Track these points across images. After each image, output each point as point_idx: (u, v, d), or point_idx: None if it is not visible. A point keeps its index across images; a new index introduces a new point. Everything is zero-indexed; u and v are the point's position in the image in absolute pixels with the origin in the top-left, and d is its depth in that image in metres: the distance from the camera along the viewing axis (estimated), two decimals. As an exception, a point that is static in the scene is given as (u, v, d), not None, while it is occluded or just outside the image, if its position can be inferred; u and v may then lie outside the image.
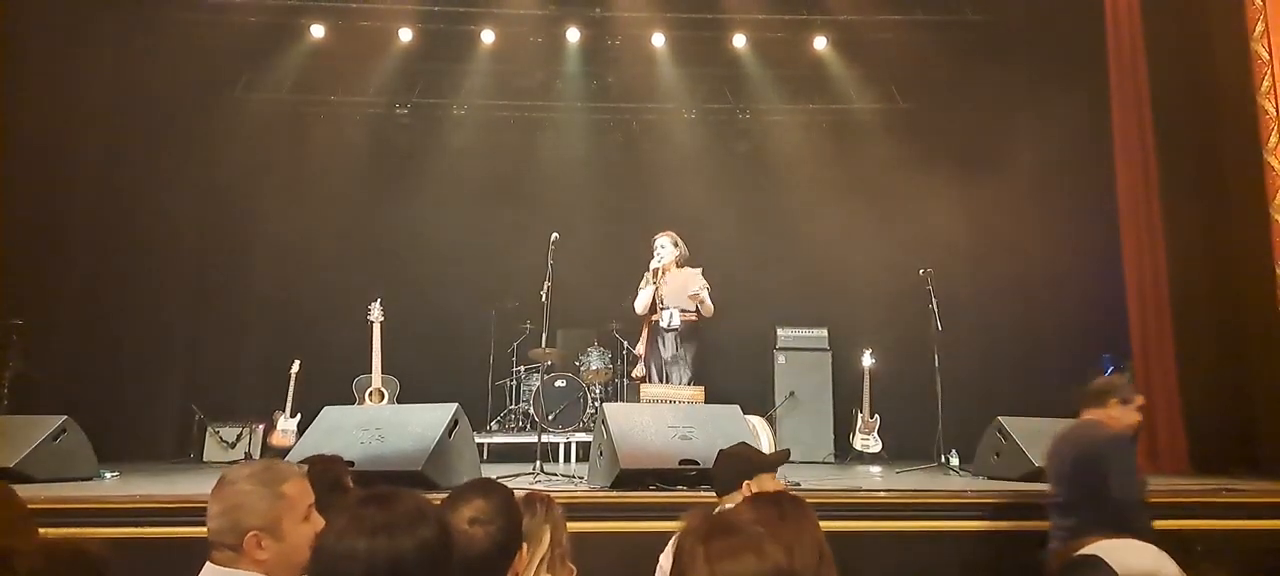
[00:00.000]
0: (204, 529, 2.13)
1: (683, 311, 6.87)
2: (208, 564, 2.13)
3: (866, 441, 8.59)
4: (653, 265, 6.95)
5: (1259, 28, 6.20)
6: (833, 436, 9.00)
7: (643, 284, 7.02)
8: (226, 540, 2.13)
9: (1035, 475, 5.62)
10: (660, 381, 6.80)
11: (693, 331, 6.92)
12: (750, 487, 3.24)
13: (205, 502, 2.18)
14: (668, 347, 6.85)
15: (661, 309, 6.88)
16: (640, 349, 7.08)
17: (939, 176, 9.38)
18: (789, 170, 10.38)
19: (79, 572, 1.29)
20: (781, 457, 3.75)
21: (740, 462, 3.48)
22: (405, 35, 9.73)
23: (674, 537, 3.02)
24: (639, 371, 7.05)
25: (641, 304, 6.95)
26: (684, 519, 1.60)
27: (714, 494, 3.48)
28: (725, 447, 3.60)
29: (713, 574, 1.40)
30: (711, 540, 1.45)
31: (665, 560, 3.04)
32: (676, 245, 6.98)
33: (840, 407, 9.07)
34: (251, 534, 2.12)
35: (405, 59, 9.99)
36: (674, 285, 6.87)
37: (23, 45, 7.38)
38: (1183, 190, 6.99)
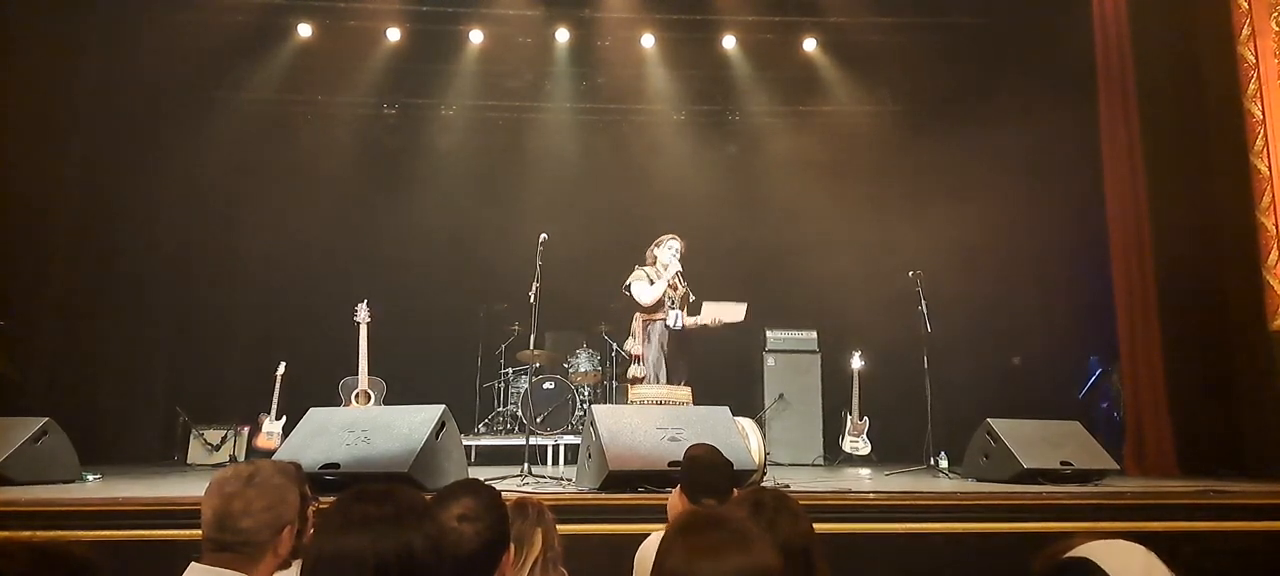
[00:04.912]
0: (186, 531, 2.11)
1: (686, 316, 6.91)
2: (193, 565, 2.10)
3: (856, 443, 8.60)
4: (674, 266, 6.91)
5: (1245, 32, 6.26)
6: (822, 438, 9.01)
7: (643, 278, 6.96)
8: (261, 537, 2.11)
9: (1023, 476, 5.65)
10: (661, 380, 6.79)
11: (688, 334, 6.95)
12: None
13: (189, 504, 2.16)
14: (670, 347, 6.85)
15: (670, 309, 6.87)
16: (635, 348, 7.03)
17: (928, 178, 9.40)
18: (778, 172, 10.38)
19: (66, 574, 1.27)
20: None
21: (725, 471, 3.42)
22: (393, 35, 9.70)
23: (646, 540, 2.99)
24: (637, 371, 6.99)
25: (651, 297, 6.90)
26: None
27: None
28: (706, 451, 3.50)
29: (692, 569, 1.35)
30: (694, 533, 1.40)
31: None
32: (683, 254, 7.00)
33: (830, 410, 9.09)
34: (288, 528, 2.15)
35: (393, 59, 9.95)
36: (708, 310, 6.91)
37: (6, 45, 7.31)
38: (1170, 193, 7.03)
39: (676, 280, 6.92)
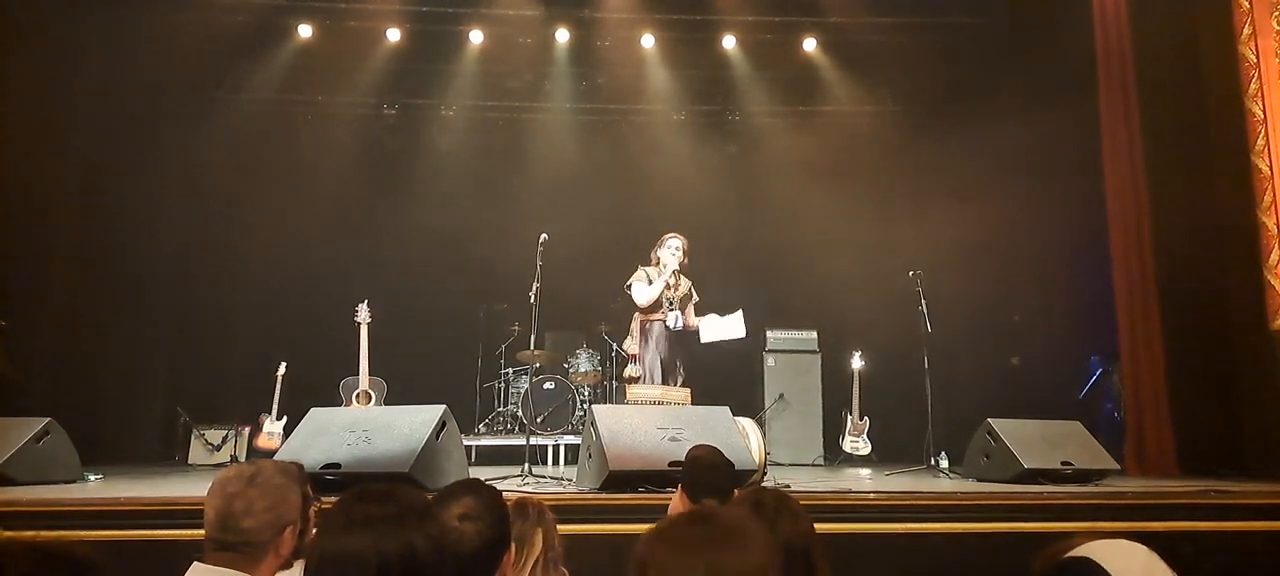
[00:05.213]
0: (188, 531, 2.11)
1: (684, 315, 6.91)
2: (196, 565, 2.10)
3: (856, 443, 8.60)
4: (671, 265, 6.90)
5: (1246, 31, 6.25)
6: (822, 438, 9.01)
7: (643, 278, 6.96)
8: (263, 537, 2.12)
9: (1024, 477, 5.65)
10: (656, 381, 6.78)
11: (687, 334, 6.94)
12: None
13: (191, 505, 2.16)
14: (667, 348, 6.85)
15: (669, 310, 6.86)
16: (632, 348, 7.04)
17: (929, 178, 9.40)
18: (778, 172, 10.38)
19: (69, 574, 1.27)
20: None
21: (727, 472, 3.42)
22: (393, 35, 9.69)
23: None
24: (633, 371, 7.01)
25: (648, 298, 6.90)
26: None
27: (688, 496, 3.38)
28: (707, 452, 3.50)
29: (666, 560, 1.31)
30: (678, 528, 1.35)
31: None
32: (686, 254, 6.99)
33: (830, 410, 9.08)
34: (289, 528, 2.15)
35: (393, 59, 9.93)
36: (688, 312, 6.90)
37: (7, 45, 7.32)
38: (1171, 192, 7.02)
39: (674, 279, 6.91)
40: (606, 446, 5.04)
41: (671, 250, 6.95)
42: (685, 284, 6.98)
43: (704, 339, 6.91)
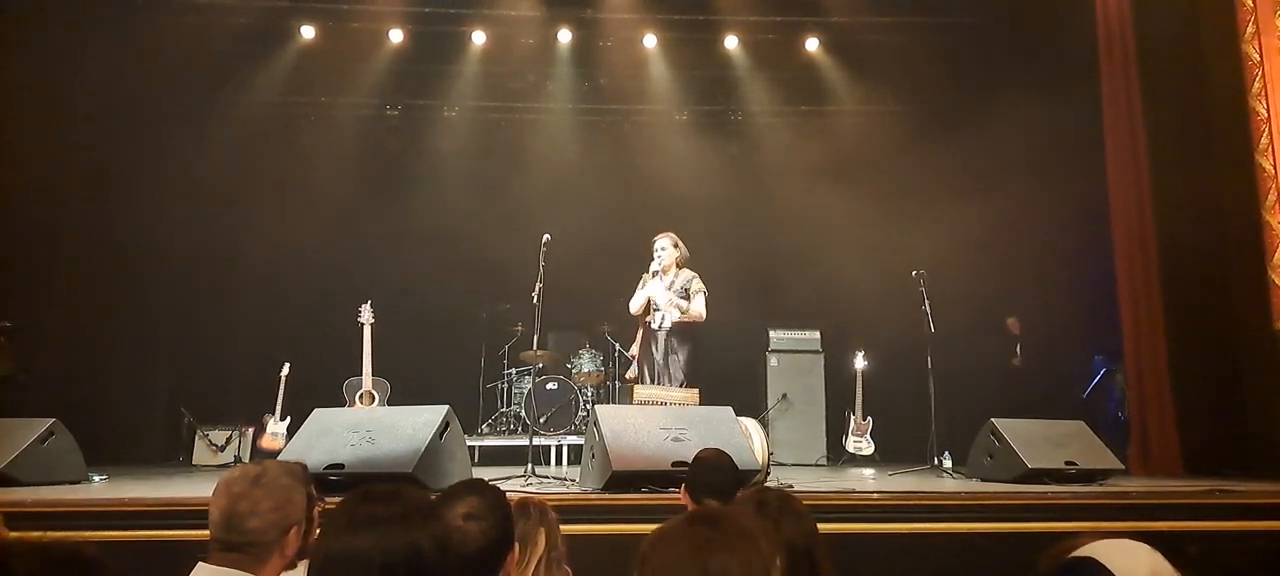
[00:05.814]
0: (193, 531, 2.10)
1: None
2: (201, 565, 2.11)
3: (859, 443, 8.59)
4: (653, 267, 6.86)
5: (1250, 29, 6.24)
6: (825, 438, 9.01)
7: (640, 284, 6.96)
8: (268, 538, 2.12)
9: (1028, 476, 5.64)
10: (653, 383, 6.74)
11: (686, 333, 6.82)
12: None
13: (196, 505, 2.16)
14: (661, 349, 6.78)
15: (655, 310, 6.81)
16: (634, 350, 7.03)
17: (931, 178, 9.39)
18: (780, 172, 10.36)
19: (76, 574, 1.27)
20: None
21: (730, 472, 3.43)
22: (396, 36, 9.70)
23: None
24: (632, 373, 7.00)
25: (636, 304, 6.87)
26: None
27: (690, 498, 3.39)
28: (712, 453, 3.52)
29: (678, 565, 1.31)
30: (684, 528, 1.36)
31: None
32: (677, 247, 6.90)
33: (833, 410, 9.08)
34: (294, 528, 2.15)
35: (396, 60, 9.95)
36: (662, 287, 6.76)
37: (11, 48, 7.34)
38: (1175, 192, 7.02)
39: (659, 277, 6.84)
40: (609, 446, 5.03)
41: (657, 251, 6.88)
42: (682, 278, 6.85)
43: (671, 314, 6.70)
